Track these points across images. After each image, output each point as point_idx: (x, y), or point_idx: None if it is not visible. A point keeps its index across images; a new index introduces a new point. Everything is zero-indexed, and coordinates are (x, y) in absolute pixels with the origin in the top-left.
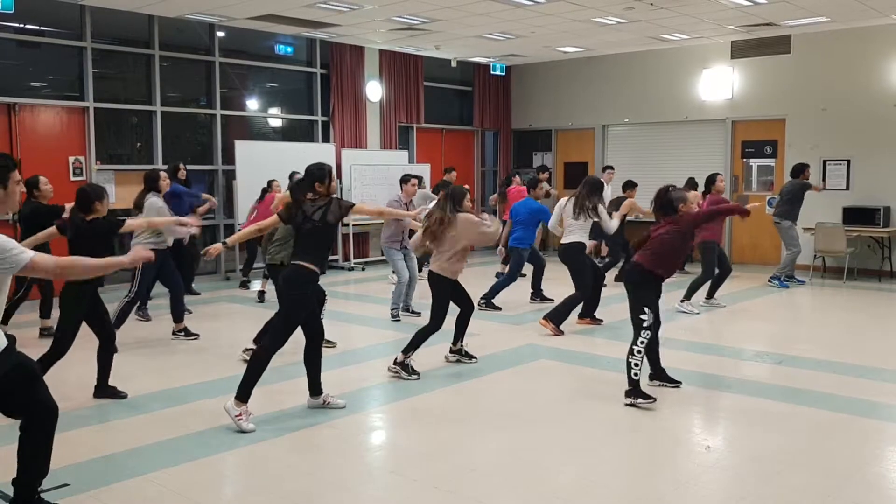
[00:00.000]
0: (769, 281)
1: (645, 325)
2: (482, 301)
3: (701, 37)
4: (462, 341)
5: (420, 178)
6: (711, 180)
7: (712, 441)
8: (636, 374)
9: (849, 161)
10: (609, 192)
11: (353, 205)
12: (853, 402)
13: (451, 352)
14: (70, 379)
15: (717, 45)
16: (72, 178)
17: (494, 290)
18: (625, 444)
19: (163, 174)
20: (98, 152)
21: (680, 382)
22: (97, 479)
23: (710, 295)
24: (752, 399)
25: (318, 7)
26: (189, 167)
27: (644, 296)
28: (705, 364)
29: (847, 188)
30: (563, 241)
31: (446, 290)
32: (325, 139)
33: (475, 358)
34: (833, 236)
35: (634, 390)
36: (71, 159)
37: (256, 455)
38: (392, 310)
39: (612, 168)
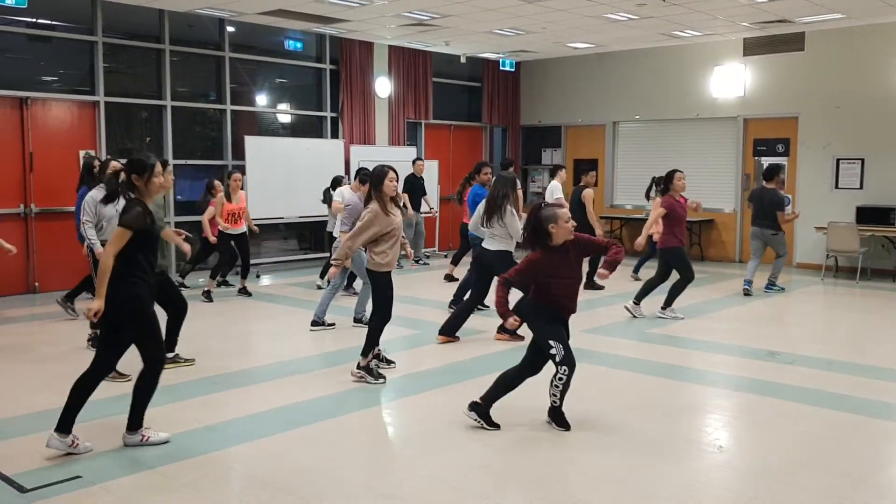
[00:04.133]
0: (766, 290)
1: (557, 359)
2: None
3: (713, 34)
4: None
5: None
6: (669, 178)
7: (724, 441)
8: (555, 403)
9: (863, 160)
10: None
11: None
12: (867, 403)
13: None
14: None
15: (730, 43)
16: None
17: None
18: (635, 442)
19: (115, 164)
20: (108, 146)
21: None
22: (108, 472)
23: (667, 304)
24: (764, 399)
25: (327, 2)
26: (199, 162)
27: (540, 329)
28: (717, 364)
29: (861, 187)
30: (486, 245)
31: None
32: (334, 135)
33: (393, 363)
34: (846, 236)
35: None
36: (81, 153)
37: (264, 450)
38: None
39: (562, 167)
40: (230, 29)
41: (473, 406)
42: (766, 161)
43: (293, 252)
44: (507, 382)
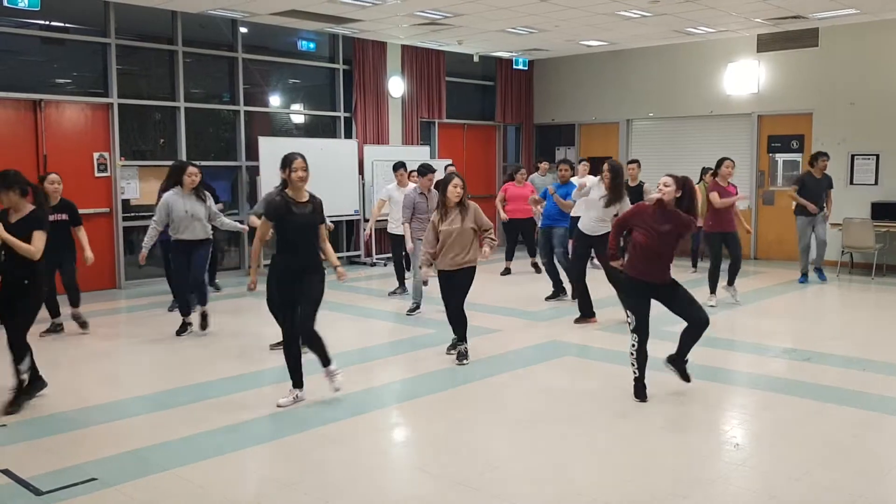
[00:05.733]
0: (819, 278)
1: (630, 328)
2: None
3: (727, 30)
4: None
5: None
6: (718, 165)
7: (741, 439)
8: (634, 372)
9: (878, 156)
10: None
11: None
12: (884, 400)
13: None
14: (92, 376)
15: (743, 39)
16: (96, 175)
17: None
18: (651, 441)
19: (192, 169)
20: (122, 148)
21: (689, 379)
22: (123, 474)
23: (730, 282)
24: (780, 396)
25: (340, 2)
26: (213, 163)
27: (624, 299)
28: (733, 361)
29: (876, 183)
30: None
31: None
32: (348, 135)
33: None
34: (861, 232)
35: (636, 386)
36: (95, 155)
37: (280, 450)
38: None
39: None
40: (243, 30)
41: (671, 361)
42: (781, 158)
43: None
44: (691, 341)
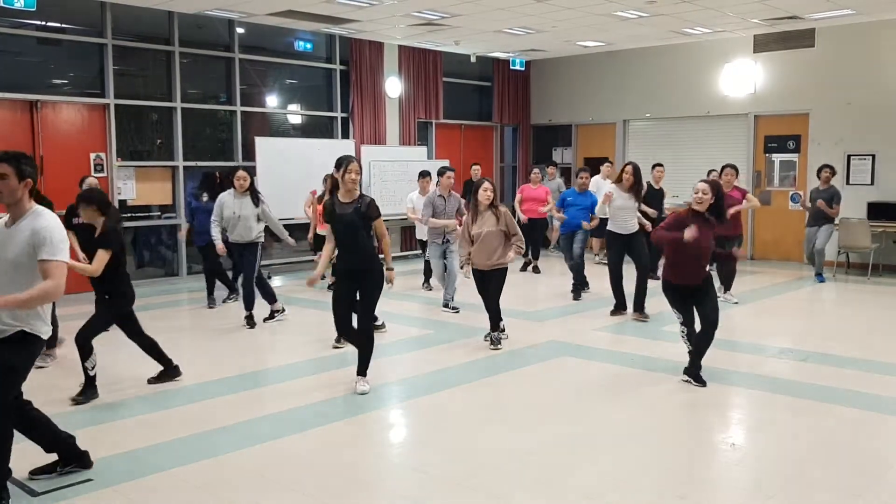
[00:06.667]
0: (817, 280)
1: (679, 322)
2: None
3: (723, 30)
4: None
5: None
6: (721, 171)
7: (737, 439)
8: (690, 350)
9: (874, 156)
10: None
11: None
12: (882, 399)
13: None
14: (74, 379)
15: (740, 39)
16: (93, 175)
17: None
18: (648, 441)
19: (241, 173)
20: (119, 149)
21: (705, 384)
22: (120, 475)
23: (726, 288)
24: (777, 396)
25: (337, 2)
26: (210, 164)
27: (670, 302)
28: (730, 360)
29: (872, 183)
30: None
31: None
32: (345, 135)
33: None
34: (857, 232)
35: (688, 370)
36: (92, 156)
37: (278, 451)
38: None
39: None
40: (240, 30)
41: (686, 371)
42: (777, 158)
43: (304, 253)
44: (703, 343)
